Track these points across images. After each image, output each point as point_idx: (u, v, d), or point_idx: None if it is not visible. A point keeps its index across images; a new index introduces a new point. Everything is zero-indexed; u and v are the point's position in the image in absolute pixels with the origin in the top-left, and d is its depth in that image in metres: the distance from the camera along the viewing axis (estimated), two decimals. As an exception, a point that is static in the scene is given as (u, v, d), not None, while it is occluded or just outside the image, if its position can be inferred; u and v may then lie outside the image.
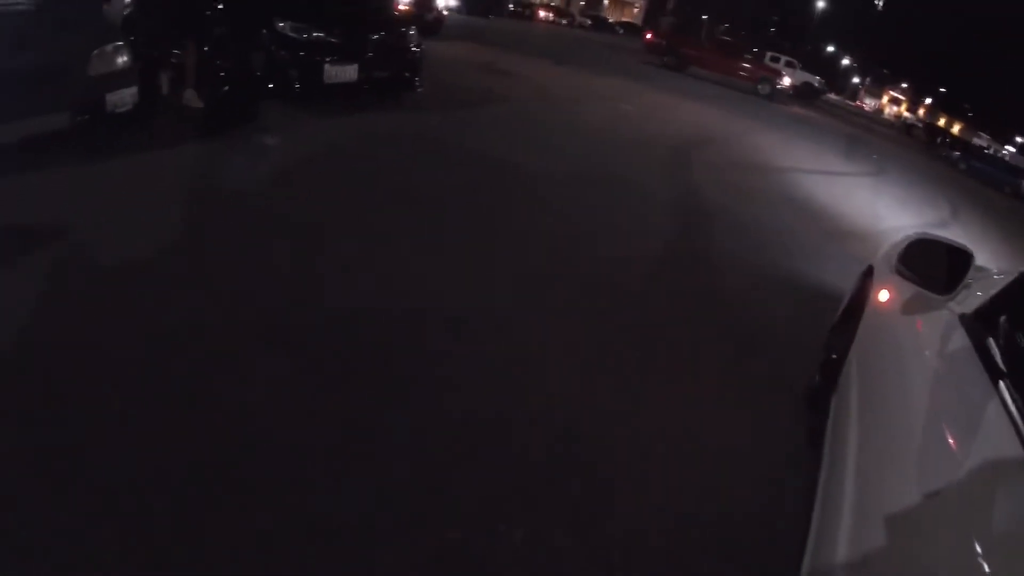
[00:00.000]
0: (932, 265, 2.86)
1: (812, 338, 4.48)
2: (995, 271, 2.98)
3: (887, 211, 10.86)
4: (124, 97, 5.91)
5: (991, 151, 43.07)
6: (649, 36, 32.96)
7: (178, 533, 2.35)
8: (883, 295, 3.32)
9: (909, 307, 2.90)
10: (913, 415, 2.21)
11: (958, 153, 35.84)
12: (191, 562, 2.27)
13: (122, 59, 5.96)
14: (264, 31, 7.89)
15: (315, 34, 8.07)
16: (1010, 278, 2.54)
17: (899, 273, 2.94)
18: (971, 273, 2.77)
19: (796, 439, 3.66)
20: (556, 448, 3.22)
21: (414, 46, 9.40)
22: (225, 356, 3.33)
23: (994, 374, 2.01)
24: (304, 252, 4.67)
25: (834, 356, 3.63)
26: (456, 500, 2.75)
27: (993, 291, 2.55)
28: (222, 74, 7.68)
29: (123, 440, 2.67)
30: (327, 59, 8.05)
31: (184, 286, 3.89)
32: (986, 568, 1.38)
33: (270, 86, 7.85)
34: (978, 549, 1.48)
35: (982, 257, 3.33)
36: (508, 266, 5.13)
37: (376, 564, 2.40)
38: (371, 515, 2.58)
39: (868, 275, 3.79)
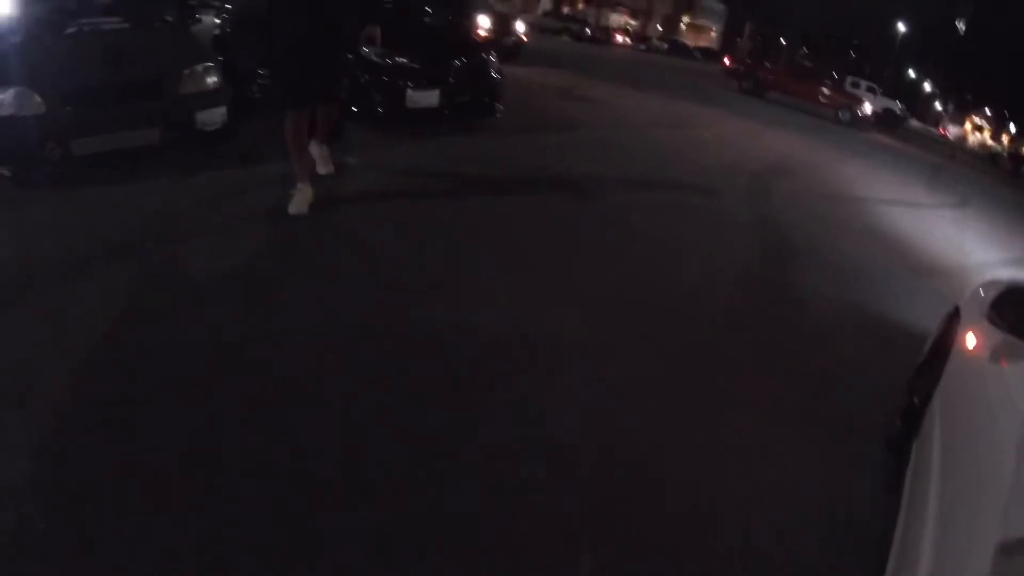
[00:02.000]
0: (1025, 313, 2.80)
1: (893, 379, 4.39)
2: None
3: (972, 246, 10.55)
4: (214, 116, 6.12)
5: (1082, 182, 41.60)
6: (727, 62, 32.69)
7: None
8: (970, 340, 3.24)
9: (998, 355, 2.83)
10: (999, 467, 2.16)
11: (1045, 184, 34.75)
12: None
13: (212, 79, 6.19)
14: (349, 56, 8.06)
15: (398, 59, 8.23)
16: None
17: (990, 320, 2.87)
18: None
19: (874, 483, 3.59)
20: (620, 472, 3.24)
21: (494, 72, 9.49)
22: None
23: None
24: (385, 272, 4.83)
25: (916, 400, 3.55)
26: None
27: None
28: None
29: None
30: (409, 84, 8.20)
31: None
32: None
33: (354, 109, 8.01)
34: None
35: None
36: (587, 291, 5.15)
37: None
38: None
39: (954, 317, 3.70)
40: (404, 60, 8.28)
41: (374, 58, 8.08)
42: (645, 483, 3.23)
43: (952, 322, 3.67)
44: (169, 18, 6.95)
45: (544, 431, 3.44)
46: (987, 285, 3.48)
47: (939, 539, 2.13)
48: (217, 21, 9.56)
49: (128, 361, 3.43)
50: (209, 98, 6.15)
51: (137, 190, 5.49)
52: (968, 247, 10.32)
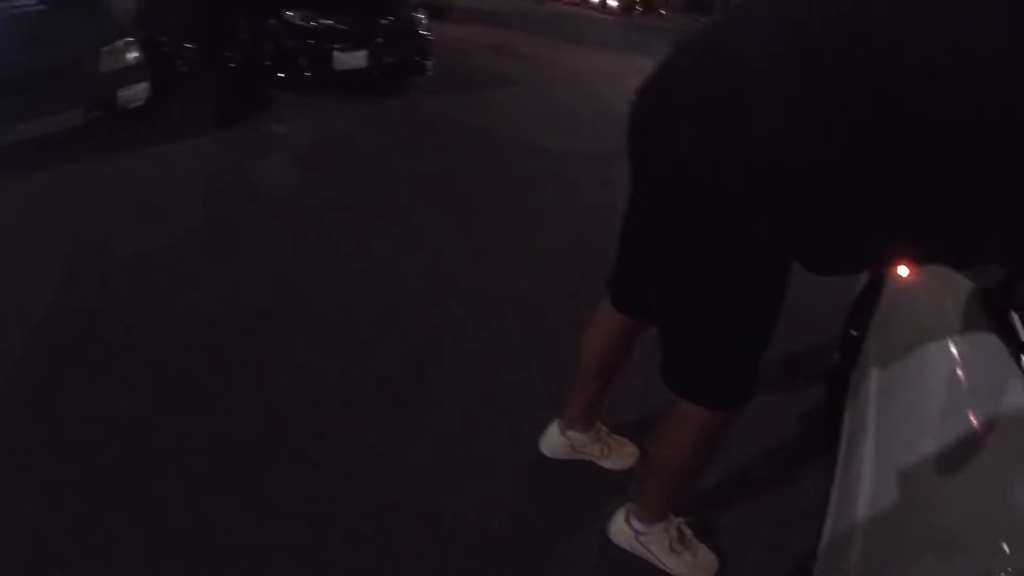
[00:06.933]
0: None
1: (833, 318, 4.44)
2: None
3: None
4: (136, 92, 5.98)
5: None
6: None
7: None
8: (903, 270, 3.27)
9: (929, 282, 2.86)
10: (934, 390, 2.19)
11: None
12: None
13: (132, 54, 6.01)
14: (272, 20, 7.89)
15: (323, 21, 8.08)
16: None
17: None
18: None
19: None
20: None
21: (423, 30, 9.36)
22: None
23: (1015, 348, 1.97)
24: (322, 236, 4.79)
25: (854, 332, 3.60)
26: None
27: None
28: (232, 65, 7.73)
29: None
30: (336, 46, 8.05)
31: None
32: (1006, 549, 1.36)
33: (280, 75, 7.86)
34: (999, 526, 1.46)
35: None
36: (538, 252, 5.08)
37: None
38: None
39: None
40: (330, 21, 8.14)
41: (299, 21, 7.93)
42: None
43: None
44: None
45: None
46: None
47: (879, 465, 2.17)
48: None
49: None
50: (131, 75, 5.98)
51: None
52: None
